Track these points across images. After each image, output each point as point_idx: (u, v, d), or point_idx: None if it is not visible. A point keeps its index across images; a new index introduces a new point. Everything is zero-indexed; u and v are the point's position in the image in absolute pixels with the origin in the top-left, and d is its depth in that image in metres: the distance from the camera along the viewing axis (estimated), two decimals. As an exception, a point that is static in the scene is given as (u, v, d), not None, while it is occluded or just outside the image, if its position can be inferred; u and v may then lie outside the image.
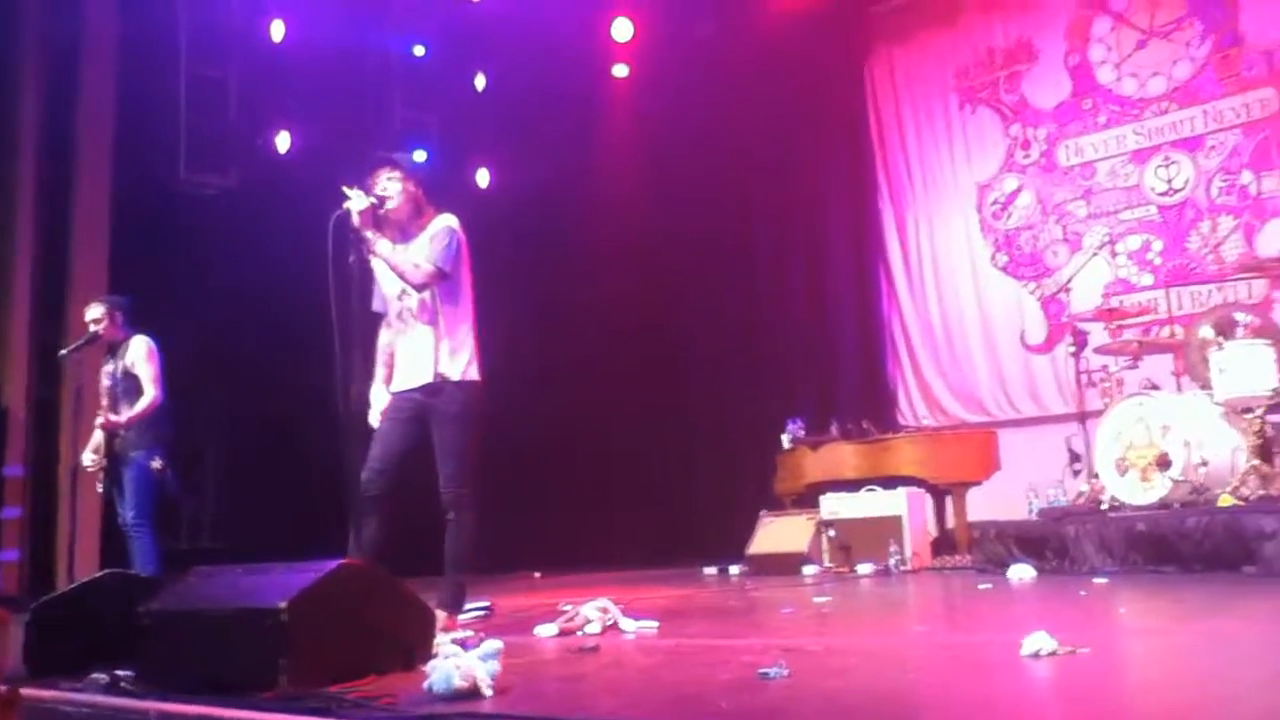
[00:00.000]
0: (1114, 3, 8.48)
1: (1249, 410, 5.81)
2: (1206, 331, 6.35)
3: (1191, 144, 8.04)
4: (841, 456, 7.74)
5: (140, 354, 5.86)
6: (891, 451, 7.57)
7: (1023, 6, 8.92)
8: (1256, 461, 5.68)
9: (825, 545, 7.27)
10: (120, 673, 3.02)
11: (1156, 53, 8.25)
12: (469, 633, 3.91)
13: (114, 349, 5.96)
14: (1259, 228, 7.70)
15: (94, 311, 5.99)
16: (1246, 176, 7.80)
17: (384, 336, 4.53)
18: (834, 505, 7.32)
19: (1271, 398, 5.75)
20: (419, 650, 3.10)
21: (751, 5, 9.26)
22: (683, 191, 9.59)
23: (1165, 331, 6.96)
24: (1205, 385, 6.11)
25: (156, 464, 5.76)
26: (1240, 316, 6.38)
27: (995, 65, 9.02)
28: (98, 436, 5.89)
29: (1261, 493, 5.53)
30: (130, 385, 5.79)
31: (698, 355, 9.68)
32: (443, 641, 3.30)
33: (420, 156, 8.60)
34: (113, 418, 5.73)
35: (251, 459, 8.52)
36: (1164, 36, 8.23)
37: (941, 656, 3.35)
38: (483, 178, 10.22)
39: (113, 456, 5.77)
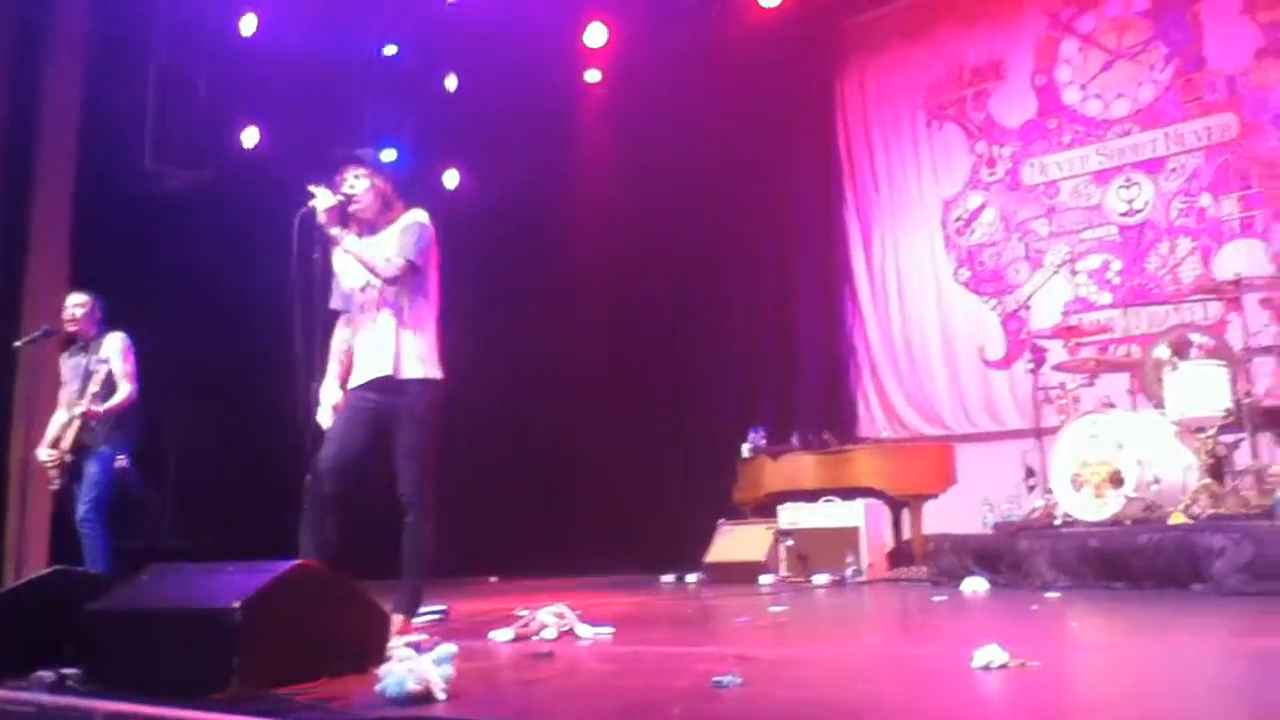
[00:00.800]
0: (1082, 24, 8.60)
1: (1201, 430, 5.90)
2: (1162, 351, 6.44)
3: (1153, 165, 8.16)
4: (801, 466, 7.78)
5: (116, 349, 5.82)
6: (851, 463, 7.63)
7: (995, 25, 9.02)
8: (1208, 480, 5.77)
9: (783, 555, 7.30)
10: (67, 671, 2.98)
11: (1121, 75, 8.37)
12: (423, 636, 3.89)
13: (84, 343, 5.91)
14: (1216, 250, 7.83)
15: (77, 299, 5.94)
16: (1206, 199, 7.93)
17: (340, 334, 4.50)
18: (792, 515, 7.35)
19: (1224, 418, 5.84)
20: (372, 653, 3.08)
21: (724, 15, 9.29)
22: (651, 198, 9.61)
23: (1122, 350, 7.06)
24: (1160, 404, 6.20)
25: (122, 461, 5.72)
26: (1195, 337, 6.48)
27: (964, 83, 9.11)
28: (54, 429, 5.82)
29: (1212, 511, 5.61)
30: (102, 379, 5.72)
31: (661, 361, 9.69)
32: (397, 645, 3.29)
33: (390, 155, 8.57)
34: (94, 408, 5.67)
35: (211, 457, 8.43)
36: (1130, 58, 8.36)
37: (895, 667, 3.38)
38: (451, 179, 10.19)
39: (76, 450, 5.70)
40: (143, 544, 7.83)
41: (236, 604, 2.76)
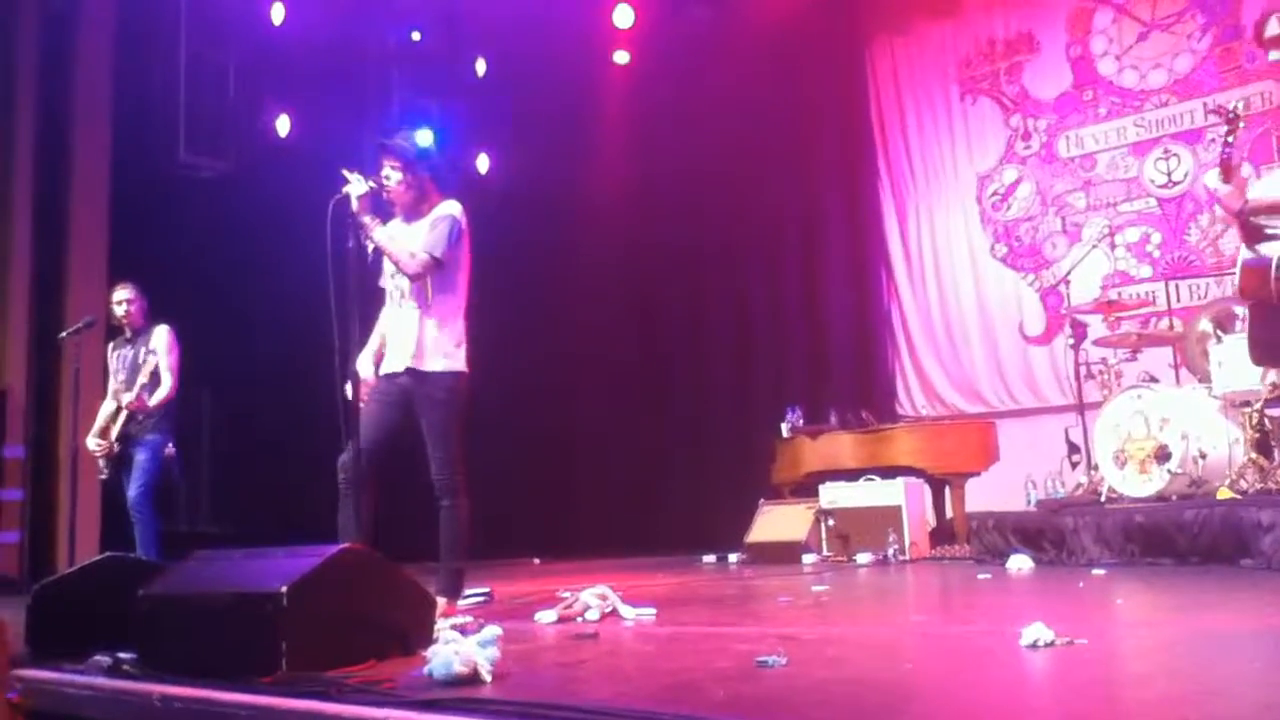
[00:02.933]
0: (1117, -7, 8.47)
1: (1247, 404, 5.82)
2: (1205, 325, 6.36)
3: (1191, 137, 8.03)
4: (840, 446, 7.76)
5: (163, 343, 5.93)
6: (890, 441, 7.59)
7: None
8: (1254, 455, 5.69)
9: (824, 534, 7.29)
10: (122, 655, 3.02)
11: (1158, 45, 8.24)
12: (468, 619, 3.91)
13: (132, 335, 6.01)
14: (1259, 221, 7.69)
15: (123, 293, 6.03)
16: (1246, 170, 7.78)
17: (383, 316, 4.53)
18: (832, 494, 7.33)
19: (1269, 391, 5.76)
20: (418, 636, 3.10)
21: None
22: (681, 178, 9.58)
23: (1164, 324, 6.96)
24: (1204, 378, 6.12)
25: (170, 450, 5.84)
26: (1239, 310, 6.38)
27: (996, 56, 9.01)
28: (102, 419, 5.92)
29: (1259, 486, 5.54)
30: (150, 371, 5.81)
31: (698, 343, 9.68)
32: (442, 627, 3.31)
33: (426, 137, 8.55)
34: (144, 400, 5.77)
35: (249, 443, 8.52)
36: (1165, 29, 8.22)
37: (939, 646, 3.36)
38: (482, 163, 10.20)
39: (124, 439, 5.80)
40: (184, 529, 7.96)
41: (283, 588, 2.79)
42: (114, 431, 5.82)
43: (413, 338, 4.32)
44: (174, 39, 8.38)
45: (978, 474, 7.47)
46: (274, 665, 2.71)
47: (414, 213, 4.43)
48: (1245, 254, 4.86)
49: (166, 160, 8.32)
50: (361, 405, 4.24)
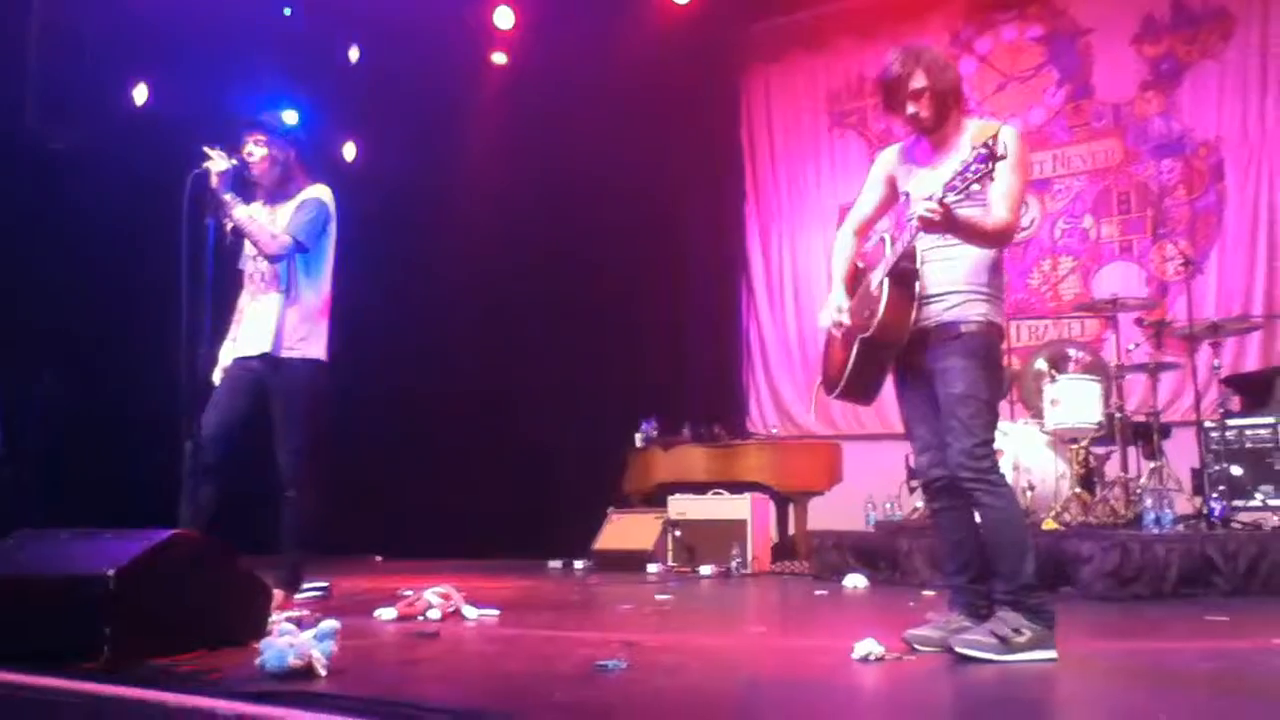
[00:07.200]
0: (980, 45, 8.85)
1: (1075, 440, 6.15)
2: (1041, 364, 6.69)
3: (1040, 186, 8.45)
4: (691, 459, 7.87)
5: None
6: (740, 457, 7.74)
7: (893, 40, 9.16)
8: (1079, 489, 6.01)
9: (670, 545, 7.37)
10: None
11: (1014, 96, 8.65)
12: (305, 612, 3.83)
13: None
14: (1095, 270, 8.16)
15: None
16: (1088, 221, 8.26)
17: (241, 300, 4.40)
18: (681, 506, 7.43)
19: (1096, 430, 6.10)
20: (253, 627, 3.02)
21: (635, 8, 9.30)
22: (548, 183, 9.56)
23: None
24: (1037, 414, 6.43)
25: None
26: (1072, 352, 6.74)
27: (865, 93, 9.29)
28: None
29: (1081, 519, 5.86)
30: None
31: (554, 348, 9.65)
32: (278, 620, 3.22)
33: (291, 117, 8.31)
34: None
35: (86, 424, 8.10)
36: (1022, 81, 8.64)
37: (776, 658, 3.45)
38: (349, 151, 9.98)
39: None
40: (10, 511, 7.52)
41: (111, 571, 2.68)
42: None
43: (272, 323, 4.20)
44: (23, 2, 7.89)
45: (822, 493, 7.69)
46: (99, 651, 2.60)
47: (279, 194, 4.32)
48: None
49: (13, 128, 7.85)
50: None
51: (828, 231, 9.32)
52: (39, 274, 7.30)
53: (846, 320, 3.36)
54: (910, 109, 3.26)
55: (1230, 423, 6.26)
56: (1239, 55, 7.80)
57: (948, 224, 3.04)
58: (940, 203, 2.98)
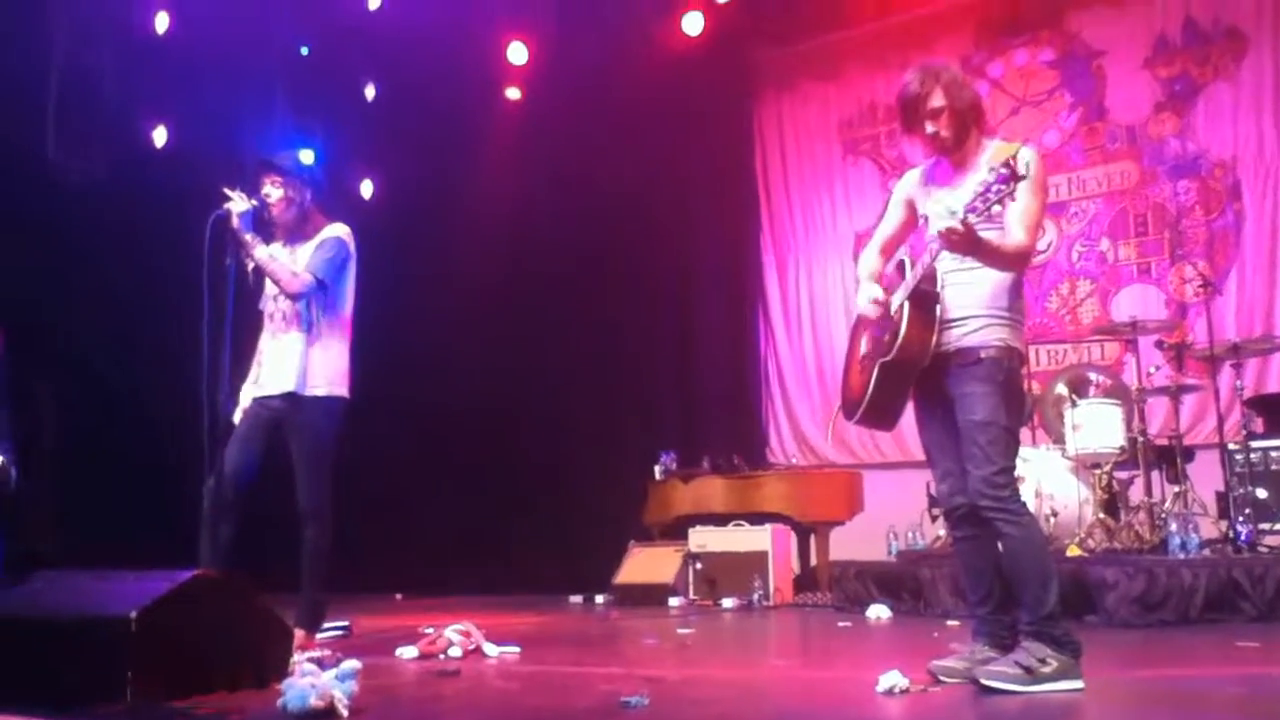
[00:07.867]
0: (992, 69, 8.86)
1: (1097, 465, 6.10)
2: (1061, 389, 6.65)
3: (1056, 209, 8.43)
4: (711, 490, 7.83)
5: None
6: (760, 488, 7.70)
7: (904, 67, 9.18)
8: (1103, 515, 5.96)
9: (691, 577, 7.33)
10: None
11: (1028, 120, 8.65)
12: (326, 652, 3.81)
13: None
14: (1113, 293, 8.12)
15: None
16: (1105, 244, 8.23)
17: (262, 340, 4.43)
18: (701, 538, 7.39)
19: (1119, 454, 6.05)
20: (274, 667, 3.02)
21: (647, 41, 9.36)
22: (563, 218, 9.59)
23: (1023, 386, 7.22)
24: (1058, 440, 6.38)
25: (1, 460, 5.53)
26: (1093, 376, 6.70)
27: (877, 120, 9.30)
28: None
29: (1106, 545, 5.80)
30: None
31: (574, 383, 9.66)
32: (299, 660, 3.22)
33: (307, 156, 8.39)
34: None
35: (102, 461, 8.14)
36: (1035, 105, 8.64)
37: (799, 690, 3.42)
38: (366, 188, 10.06)
39: None
40: (23, 548, 7.54)
41: (132, 613, 2.68)
42: None
43: (295, 362, 4.22)
44: (44, 40, 8.00)
45: (843, 523, 7.63)
46: (120, 694, 2.60)
47: (297, 234, 4.35)
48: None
49: (35, 161, 7.94)
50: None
51: (844, 259, 9.32)
52: (58, 309, 7.36)
53: (882, 297, 3.30)
54: (929, 128, 3.26)
55: (1254, 445, 6.19)
56: (1252, 75, 7.79)
57: (969, 243, 3.02)
58: (962, 221, 2.96)
